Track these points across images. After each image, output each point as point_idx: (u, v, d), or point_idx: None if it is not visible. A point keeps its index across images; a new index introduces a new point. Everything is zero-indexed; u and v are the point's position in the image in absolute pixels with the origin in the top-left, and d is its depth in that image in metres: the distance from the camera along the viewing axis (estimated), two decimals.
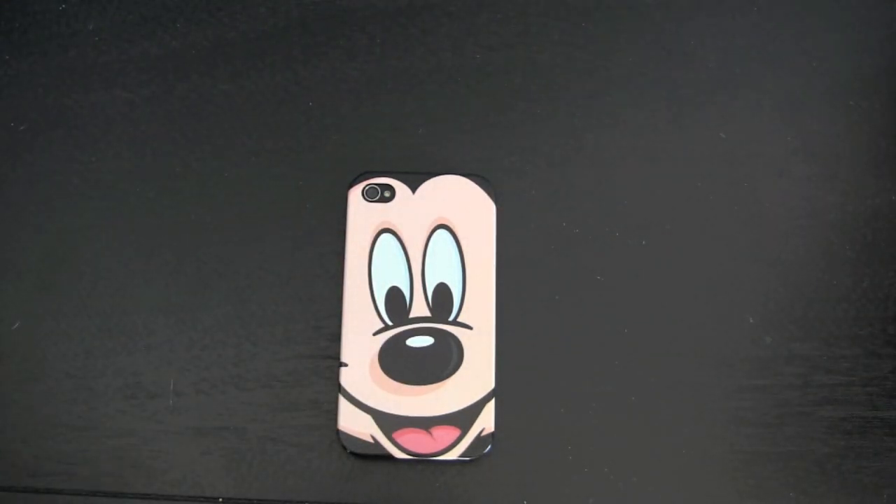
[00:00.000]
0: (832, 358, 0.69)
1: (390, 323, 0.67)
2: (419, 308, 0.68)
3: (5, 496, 0.67)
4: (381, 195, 0.69)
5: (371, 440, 0.66)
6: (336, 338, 0.68)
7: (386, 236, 0.69)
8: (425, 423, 0.66)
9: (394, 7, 0.74)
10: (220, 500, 0.67)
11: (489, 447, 0.66)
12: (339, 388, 0.67)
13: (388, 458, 0.66)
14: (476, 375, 0.67)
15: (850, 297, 0.70)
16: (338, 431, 0.66)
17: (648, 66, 0.74)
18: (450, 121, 0.72)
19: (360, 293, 0.68)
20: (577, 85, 0.73)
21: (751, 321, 0.69)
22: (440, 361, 0.67)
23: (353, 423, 0.66)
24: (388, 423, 0.66)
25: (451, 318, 0.67)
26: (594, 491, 0.67)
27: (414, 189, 0.69)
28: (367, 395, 0.66)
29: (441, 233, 0.69)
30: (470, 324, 0.67)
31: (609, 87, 0.73)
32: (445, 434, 0.66)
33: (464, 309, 0.68)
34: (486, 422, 0.66)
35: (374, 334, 0.67)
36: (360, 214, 0.69)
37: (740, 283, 0.70)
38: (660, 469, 0.67)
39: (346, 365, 0.67)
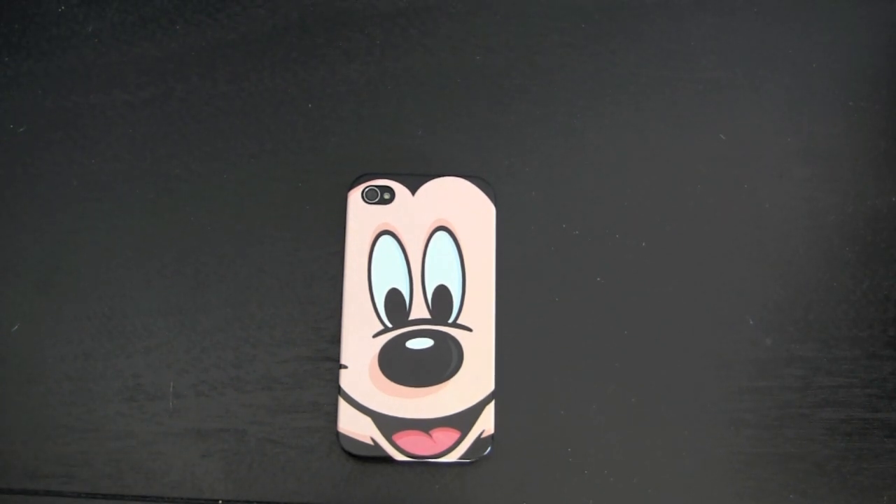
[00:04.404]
0: (832, 359, 0.69)
1: (390, 325, 0.67)
2: (419, 310, 0.68)
3: (4, 498, 0.67)
4: (381, 197, 0.69)
5: (371, 442, 0.66)
6: (336, 340, 0.68)
7: (385, 238, 0.68)
8: (425, 426, 0.66)
9: (393, 8, 0.74)
10: (220, 502, 0.67)
11: (489, 449, 0.66)
12: (339, 390, 0.67)
13: (388, 460, 0.66)
14: (476, 377, 0.67)
15: (850, 299, 0.70)
16: (337, 433, 0.66)
17: (648, 66, 0.73)
18: (449, 122, 0.72)
19: (360, 295, 0.68)
20: (577, 86, 0.73)
21: (751, 323, 0.69)
22: (440, 363, 0.67)
23: (352, 425, 0.66)
24: (388, 425, 0.66)
25: (450, 320, 0.67)
26: (594, 493, 0.67)
27: (413, 191, 0.69)
28: (366, 397, 0.66)
29: (441, 234, 0.69)
30: (470, 326, 0.67)
31: (609, 88, 0.73)
32: (445, 436, 0.66)
33: (463, 311, 0.68)
34: (485, 424, 0.66)
35: (374, 336, 0.67)
36: (360, 216, 0.69)
37: (740, 285, 0.70)
38: (660, 471, 0.67)
39: (345, 367, 0.67)
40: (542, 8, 0.74)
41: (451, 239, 0.68)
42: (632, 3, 0.74)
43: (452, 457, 0.66)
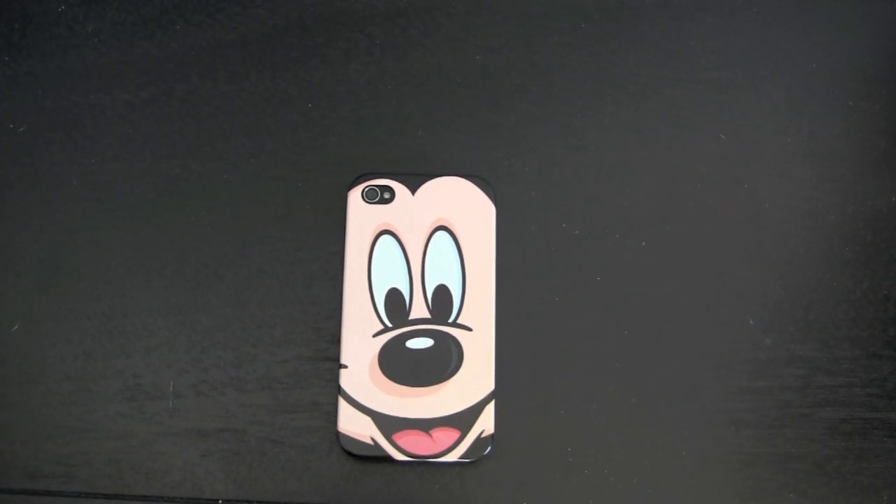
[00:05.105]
0: (832, 359, 0.69)
1: (390, 325, 0.67)
2: (419, 310, 0.68)
3: (4, 498, 0.67)
4: (381, 196, 0.69)
5: (371, 442, 0.66)
6: (336, 339, 0.68)
7: (385, 238, 0.68)
8: (425, 425, 0.66)
9: (393, 8, 0.74)
10: (220, 501, 0.67)
11: (489, 449, 0.66)
12: (339, 390, 0.67)
13: (388, 459, 0.66)
14: (476, 377, 0.67)
15: (850, 299, 0.70)
16: (337, 433, 0.66)
17: (648, 66, 0.73)
18: (449, 122, 0.72)
19: (360, 295, 0.68)
20: (577, 85, 0.73)
21: (751, 322, 0.69)
22: (440, 363, 0.67)
23: (352, 424, 0.66)
24: (388, 424, 0.66)
25: (450, 320, 0.67)
26: (594, 493, 0.67)
27: (413, 190, 0.69)
28: (366, 396, 0.66)
29: (441, 234, 0.69)
30: (470, 325, 0.67)
31: (609, 88, 0.73)
32: (445, 436, 0.66)
33: (463, 310, 0.68)
34: (485, 423, 0.66)
35: (374, 336, 0.67)
36: (360, 216, 0.69)
37: (740, 285, 0.70)
38: (660, 471, 0.67)
39: (345, 367, 0.67)
40: (542, 8, 0.74)
41: (451, 239, 0.68)
42: (632, 3, 0.74)
43: (452, 456, 0.66)
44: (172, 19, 0.74)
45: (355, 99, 0.72)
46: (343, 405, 0.66)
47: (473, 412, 0.66)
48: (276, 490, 0.67)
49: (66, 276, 0.70)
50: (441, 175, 0.70)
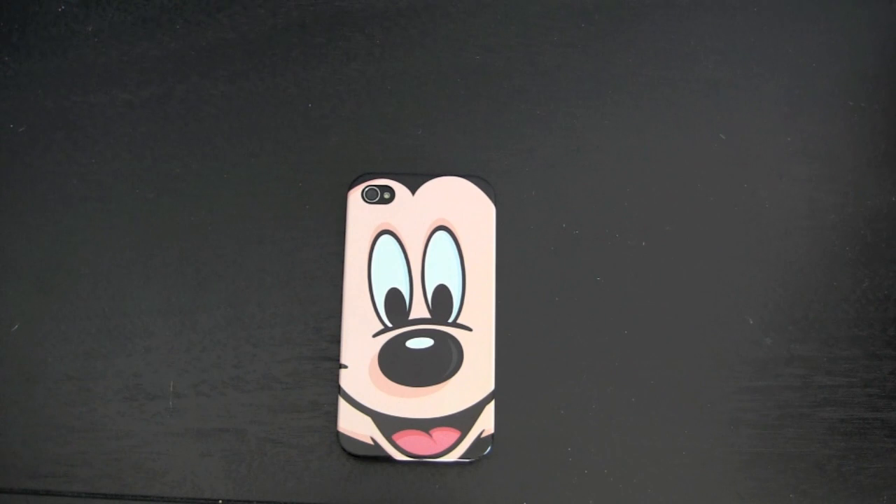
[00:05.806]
0: (832, 359, 0.69)
1: (390, 324, 0.67)
2: (419, 309, 0.68)
3: (4, 498, 0.67)
4: (381, 196, 0.69)
5: (371, 442, 0.66)
6: (336, 339, 0.68)
7: (385, 238, 0.68)
8: (425, 425, 0.66)
9: (393, 8, 0.74)
10: (220, 501, 0.67)
11: (489, 449, 0.66)
12: (339, 390, 0.67)
13: (388, 459, 0.66)
14: (476, 377, 0.67)
15: (849, 299, 0.70)
16: (337, 433, 0.66)
17: (648, 66, 0.73)
18: (449, 122, 0.72)
19: (360, 295, 0.68)
20: (576, 86, 0.73)
21: (751, 322, 0.69)
22: (440, 363, 0.67)
23: (352, 424, 0.66)
24: (388, 424, 0.66)
25: (450, 320, 0.67)
26: (594, 492, 0.67)
27: (413, 190, 0.69)
28: (366, 396, 0.66)
29: (441, 234, 0.69)
30: (469, 325, 0.67)
31: (609, 88, 0.73)
32: (445, 436, 0.66)
33: (463, 310, 0.68)
34: (485, 423, 0.66)
35: (374, 336, 0.67)
36: (360, 216, 0.69)
37: (740, 284, 0.70)
38: (660, 470, 0.67)
39: (345, 366, 0.67)
40: (542, 8, 0.74)
41: (451, 238, 0.68)
42: (632, 3, 0.74)
43: (452, 456, 0.66)
44: (172, 19, 0.74)
45: (355, 98, 0.72)
46: (343, 405, 0.66)
47: (473, 412, 0.66)
48: (276, 490, 0.67)
49: (66, 276, 0.70)
50: (441, 175, 0.70)
